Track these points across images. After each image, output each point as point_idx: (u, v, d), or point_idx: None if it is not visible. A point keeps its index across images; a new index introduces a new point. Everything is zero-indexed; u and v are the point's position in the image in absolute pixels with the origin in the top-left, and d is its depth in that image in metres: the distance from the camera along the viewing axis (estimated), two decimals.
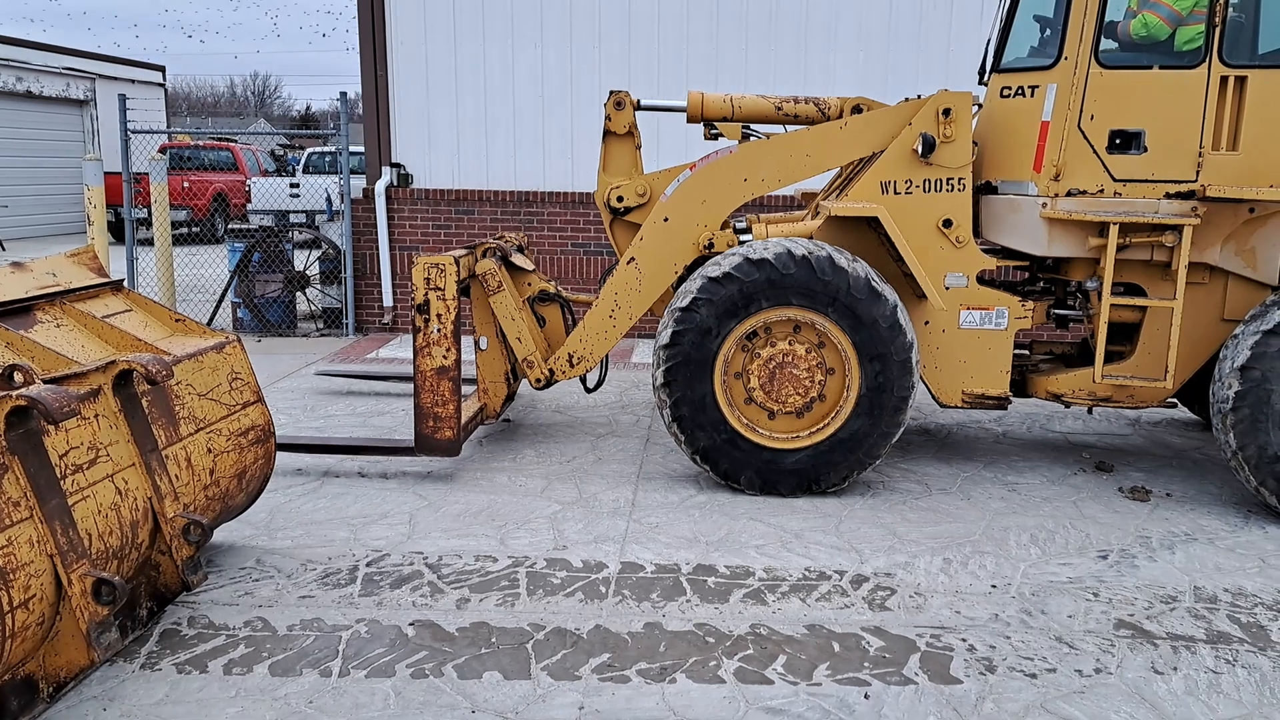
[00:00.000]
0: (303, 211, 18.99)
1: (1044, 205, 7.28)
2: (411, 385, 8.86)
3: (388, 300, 13.83)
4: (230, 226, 14.47)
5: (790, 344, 7.19)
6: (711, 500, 7.25)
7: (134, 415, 5.00)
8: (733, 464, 7.28)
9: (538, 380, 8.01)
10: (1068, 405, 7.84)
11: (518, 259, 8.44)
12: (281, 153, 36.08)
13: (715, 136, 8.44)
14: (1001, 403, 7.68)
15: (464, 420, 7.77)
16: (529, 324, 8.15)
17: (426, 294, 7.35)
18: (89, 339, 5.42)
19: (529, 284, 8.49)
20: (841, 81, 12.66)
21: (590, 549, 6.36)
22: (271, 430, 6.20)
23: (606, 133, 8.49)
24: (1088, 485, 7.72)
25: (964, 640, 5.23)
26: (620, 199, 8.37)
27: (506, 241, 8.81)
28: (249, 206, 22.79)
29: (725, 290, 7.08)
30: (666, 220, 7.82)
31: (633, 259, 7.85)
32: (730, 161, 7.79)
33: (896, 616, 5.50)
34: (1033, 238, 7.43)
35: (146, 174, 14.46)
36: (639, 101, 8.46)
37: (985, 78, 8.08)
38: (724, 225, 7.92)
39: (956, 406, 7.75)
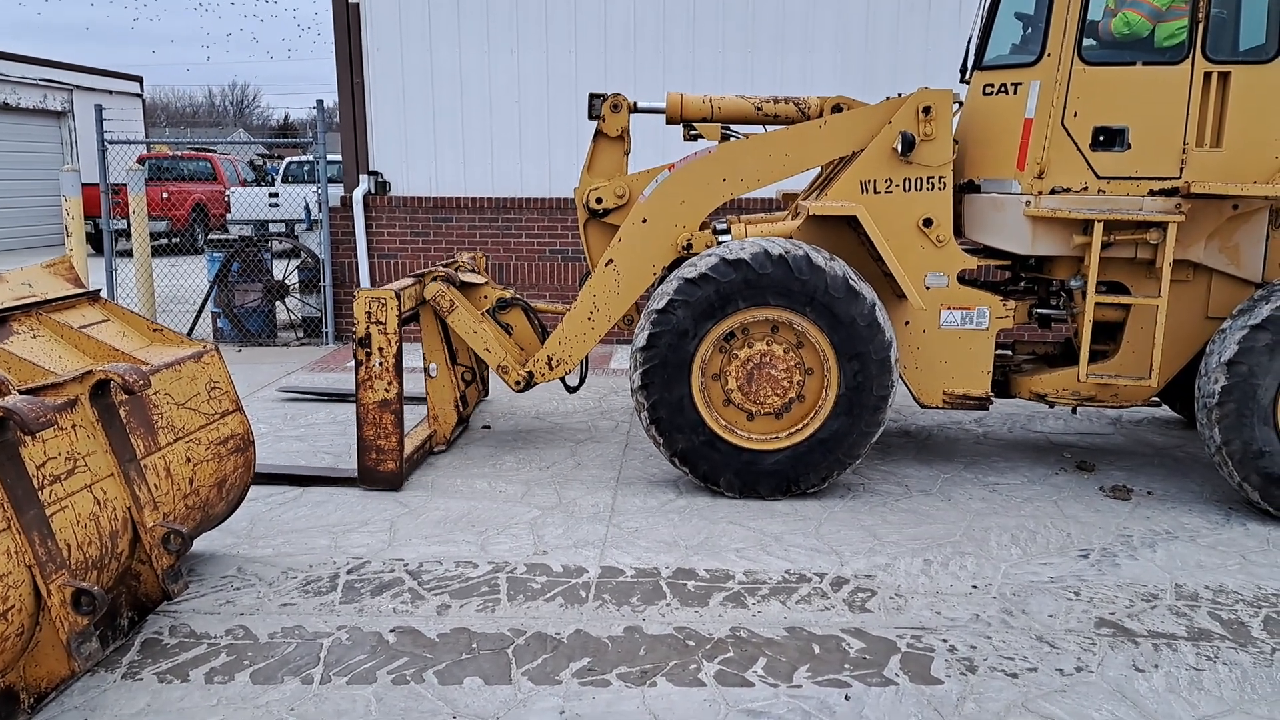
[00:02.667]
0: (282, 221, 18.94)
1: (1027, 203, 7.29)
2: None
3: None
4: (210, 237, 14.44)
5: (768, 344, 7.19)
6: (691, 504, 7.24)
7: (112, 425, 4.98)
8: (712, 466, 7.28)
9: (516, 383, 7.99)
10: (1052, 405, 7.85)
11: (468, 276, 8.46)
12: (260, 163, 36.00)
13: (695, 137, 8.40)
14: (983, 403, 7.69)
15: (408, 452, 7.80)
16: (494, 333, 8.15)
17: (368, 328, 7.38)
18: (66, 349, 5.39)
19: (485, 296, 8.49)
20: (820, 82, 12.67)
21: (570, 554, 6.35)
22: (251, 439, 6.18)
23: (598, 133, 8.44)
24: (1069, 485, 7.73)
25: (945, 641, 5.23)
26: (599, 200, 8.34)
27: (457, 267, 8.85)
28: (228, 217, 22.67)
29: (702, 291, 7.07)
30: (645, 221, 7.81)
31: (611, 260, 7.84)
32: (709, 162, 7.79)
33: (877, 618, 5.49)
34: (1016, 236, 7.44)
35: (124, 185, 14.40)
36: (635, 104, 8.42)
37: (967, 75, 8.08)
38: (703, 226, 7.90)
39: (937, 407, 7.75)
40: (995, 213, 7.57)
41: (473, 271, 8.91)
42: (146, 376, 4.94)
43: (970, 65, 8.02)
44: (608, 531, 6.72)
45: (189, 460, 5.55)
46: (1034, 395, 7.82)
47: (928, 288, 7.54)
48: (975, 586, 5.89)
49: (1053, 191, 7.33)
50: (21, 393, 4.48)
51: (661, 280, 7.85)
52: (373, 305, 7.35)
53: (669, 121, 8.37)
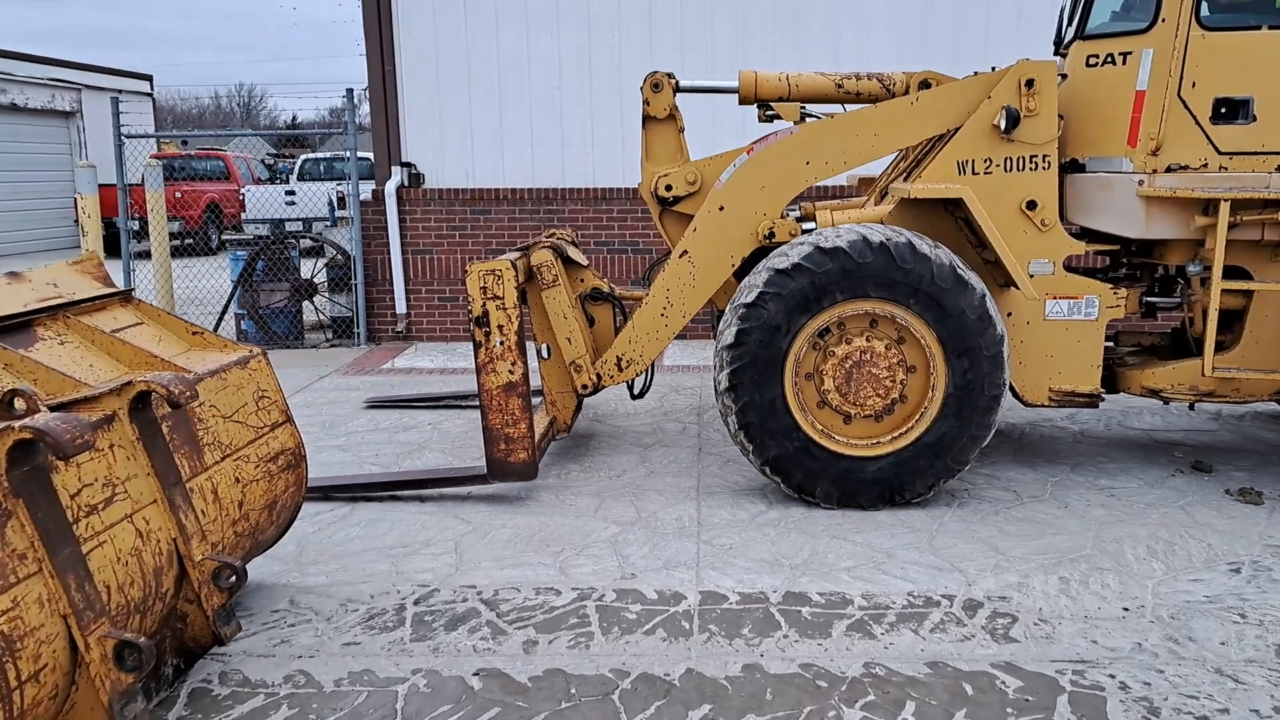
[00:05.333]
0: (299, 219, 18.44)
1: (1141, 183, 6.63)
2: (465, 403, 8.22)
3: (401, 308, 13.12)
4: (225, 236, 13.84)
5: (867, 340, 6.52)
6: (785, 516, 6.56)
7: (154, 444, 4.32)
8: (807, 475, 6.60)
9: (584, 387, 7.35)
10: (1167, 401, 7.18)
11: (573, 253, 7.81)
12: (272, 161, 35.58)
13: (771, 118, 7.75)
14: (1093, 400, 7.01)
15: (536, 438, 7.10)
16: (580, 324, 7.47)
17: (484, 304, 6.67)
18: (98, 357, 4.73)
19: (581, 280, 7.84)
20: (874, 61, 11.95)
21: (662, 577, 5.67)
22: (303, 453, 5.52)
23: (646, 118, 7.82)
24: (1190, 488, 7.05)
25: (1112, 676, 4.55)
26: (669, 188, 7.70)
27: (560, 237, 8.18)
28: (244, 216, 22.04)
29: (795, 283, 6.41)
30: (722, 209, 7.14)
31: (685, 252, 7.17)
32: (791, 144, 7.11)
33: (1026, 649, 4.82)
34: (1128, 219, 6.78)
35: (139, 184, 13.77)
36: (678, 83, 7.79)
37: (1064, 46, 7.42)
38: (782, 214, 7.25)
39: (1043, 405, 7.09)
40: (1102, 193, 6.91)
41: (576, 247, 8.25)
42: (193, 387, 4.28)
43: (1069, 35, 7.35)
44: (699, 549, 6.04)
45: (238, 481, 4.89)
46: (1146, 390, 7.16)
47: (1031, 275, 6.87)
48: (1126, 609, 5.21)
49: (1169, 169, 6.67)
50: (52, 409, 3.82)
51: (740, 273, 7.19)
52: (488, 279, 6.65)
53: (742, 101, 7.73)
